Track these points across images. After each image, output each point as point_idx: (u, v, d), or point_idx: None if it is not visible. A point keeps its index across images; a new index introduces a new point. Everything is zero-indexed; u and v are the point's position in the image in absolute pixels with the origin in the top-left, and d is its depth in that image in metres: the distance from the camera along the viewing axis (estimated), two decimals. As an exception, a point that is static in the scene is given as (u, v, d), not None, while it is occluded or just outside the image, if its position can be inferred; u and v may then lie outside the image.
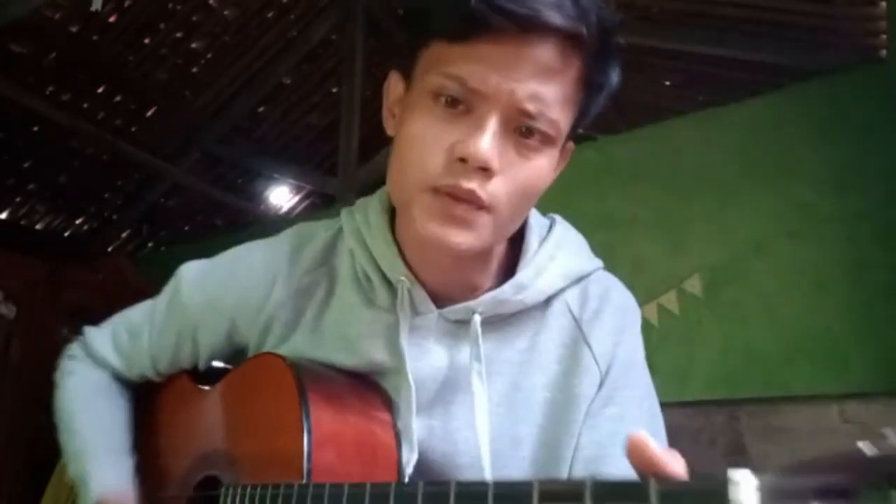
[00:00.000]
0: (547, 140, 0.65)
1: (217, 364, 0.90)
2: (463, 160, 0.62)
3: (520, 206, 0.67)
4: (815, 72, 2.87)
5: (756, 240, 2.73)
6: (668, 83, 3.77)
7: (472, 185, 0.62)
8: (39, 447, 3.29)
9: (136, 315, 0.91)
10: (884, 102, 2.59)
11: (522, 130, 0.64)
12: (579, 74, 0.65)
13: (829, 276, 2.58)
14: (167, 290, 0.88)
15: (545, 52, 0.62)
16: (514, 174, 0.64)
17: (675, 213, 2.91)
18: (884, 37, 2.85)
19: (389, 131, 0.72)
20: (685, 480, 0.40)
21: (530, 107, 0.62)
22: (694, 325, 2.78)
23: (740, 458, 2.53)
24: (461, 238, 0.64)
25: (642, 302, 2.95)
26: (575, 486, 0.39)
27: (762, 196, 2.76)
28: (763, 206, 2.75)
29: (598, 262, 0.81)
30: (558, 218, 0.83)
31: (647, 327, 3.17)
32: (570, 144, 0.73)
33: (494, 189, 0.63)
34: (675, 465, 0.41)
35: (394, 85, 0.73)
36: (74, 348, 0.95)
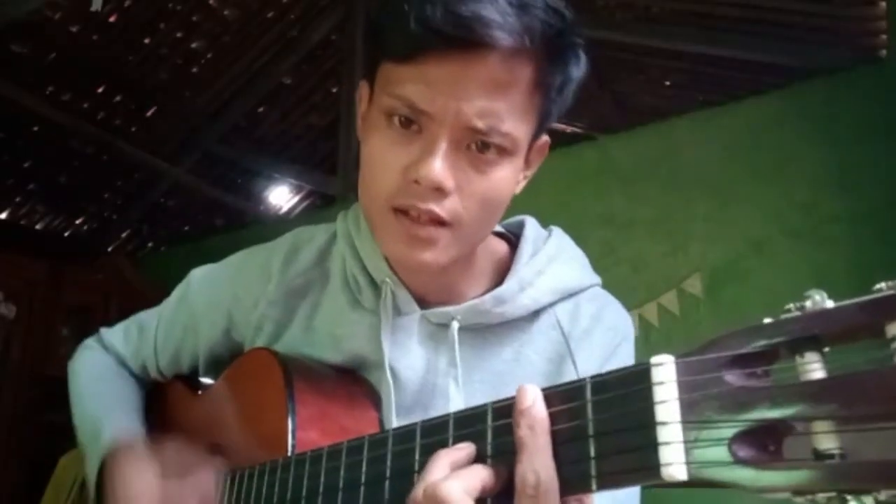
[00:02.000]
0: (504, 152, 0.64)
1: (209, 381, 0.93)
2: (417, 182, 0.63)
3: (484, 217, 0.68)
4: (815, 72, 2.87)
5: (756, 240, 2.73)
6: (668, 83, 3.77)
7: (428, 205, 0.63)
8: (39, 447, 3.29)
9: (148, 312, 0.96)
10: (884, 102, 2.59)
11: (478, 145, 0.63)
12: (532, 80, 0.64)
13: (830, 275, 2.57)
14: (178, 289, 0.92)
15: (491, 67, 0.61)
16: (471, 190, 0.64)
17: (675, 213, 2.91)
18: (884, 37, 2.85)
19: (360, 138, 0.73)
20: (616, 369, 0.42)
21: (479, 124, 0.62)
22: (694, 325, 2.78)
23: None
24: (426, 256, 0.66)
25: (642, 302, 2.97)
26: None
27: (762, 196, 2.76)
28: (763, 206, 2.75)
29: (595, 278, 0.80)
30: (557, 230, 0.82)
31: (647, 327, 3.16)
32: (544, 140, 0.73)
33: (453, 206, 0.64)
34: None
35: (363, 94, 0.74)
36: (89, 341, 1.00)
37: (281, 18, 3.89)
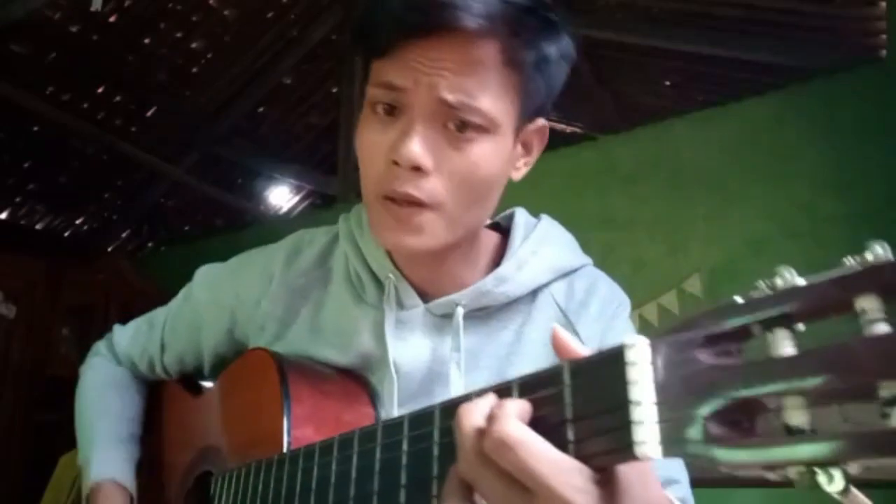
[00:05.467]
0: (482, 130, 0.66)
1: (208, 384, 0.94)
2: (396, 163, 0.65)
3: (468, 197, 0.68)
4: (815, 72, 2.87)
5: (756, 240, 2.73)
6: (668, 83, 3.77)
7: (405, 187, 0.65)
8: (39, 447, 3.29)
9: (160, 310, 0.99)
10: (883, 102, 2.59)
11: (456, 124, 0.65)
12: (501, 58, 0.65)
13: (829, 276, 2.57)
14: (185, 288, 0.94)
15: (456, 47, 0.64)
16: (451, 168, 0.66)
17: (675, 213, 2.91)
18: (883, 37, 2.85)
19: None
20: (592, 355, 0.42)
21: (450, 97, 0.64)
22: (694, 325, 2.78)
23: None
24: (412, 241, 0.67)
25: (642, 302, 2.97)
26: (504, 385, 0.45)
27: (762, 196, 2.76)
28: (763, 206, 2.75)
29: (586, 259, 0.82)
30: (546, 217, 0.84)
31: (646, 327, 3.16)
32: (541, 123, 0.73)
33: (432, 187, 0.65)
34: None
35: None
36: (99, 345, 1.02)
37: (281, 18, 3.89)
